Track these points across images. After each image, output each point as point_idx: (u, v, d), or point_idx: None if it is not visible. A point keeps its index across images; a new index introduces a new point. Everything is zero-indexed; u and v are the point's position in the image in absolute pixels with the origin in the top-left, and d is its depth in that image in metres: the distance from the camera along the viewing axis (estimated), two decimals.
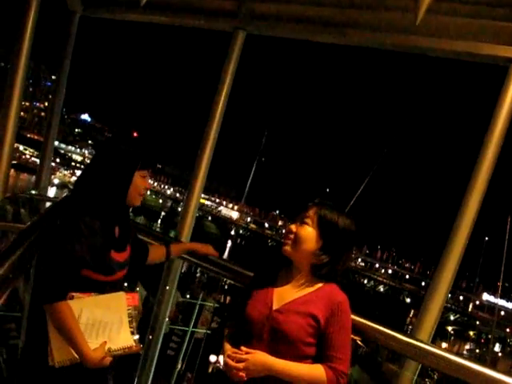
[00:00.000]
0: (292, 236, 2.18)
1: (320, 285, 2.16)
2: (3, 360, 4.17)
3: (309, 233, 2.16)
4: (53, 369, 2.06)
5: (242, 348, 2.09)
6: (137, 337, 2.25)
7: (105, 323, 2.16)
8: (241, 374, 2.04)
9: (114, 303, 2.22)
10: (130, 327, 2.24)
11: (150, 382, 3.24)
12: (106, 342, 2.13)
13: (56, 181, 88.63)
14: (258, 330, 2.13)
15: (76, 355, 2.07)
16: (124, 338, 2.20)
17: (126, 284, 2.42)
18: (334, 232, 2.14)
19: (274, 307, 2.14)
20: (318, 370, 2.04)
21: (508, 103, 2.45)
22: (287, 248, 2.19)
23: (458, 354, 2.26)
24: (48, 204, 3.71)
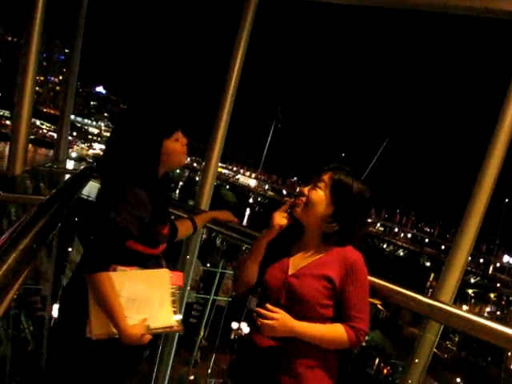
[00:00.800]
0: (304, 199, 2.16)
1: (333, 248, 2.14)
2: (30, 332, 4.24)
3: (320, 197, 2.11)
4: (89, 341, 2.00)
5: (269, 306, 2.08)
6: (179, 317, 2.18)
7: (146, 299, 2.09)
8: (269, 329, 2.06)
9: (157, 280, 2.15)
10: (173, 307, 2.16)
11: (173, 349, 3.29)
12: (146, 318, 2.06)
13: (74, 154, 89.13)
14: (276, 295, 2.14)
15: (114, 330, 2.00)
16: (165, 317, 2.13)
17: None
18: (347, 197, 2.09)
19: (290, 272, 2.15)
20: (338, 330, 2.05)
21: None
22: (298, 210, 2.16)
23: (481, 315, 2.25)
24: (67, 176, 3.73)
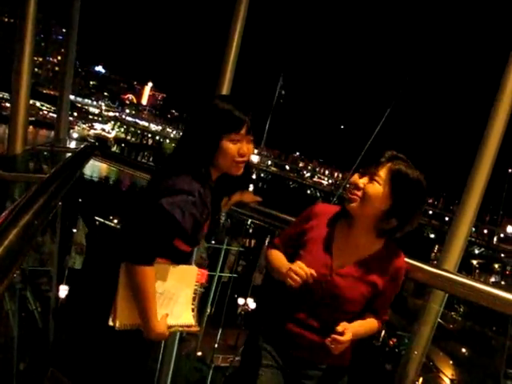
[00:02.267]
0: (359, 193, 1.99)
1: (381, 244, 2.07)
2: (38, 313, 4.27)
3: (379, 191, 1.96)
4: (111, 330, 1.94)
5: (338, 329, 1.96)
6: (196, 316, 2.12)
7: (172, 294, 2.05)
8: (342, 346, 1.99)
9: (185, 276, 2.10)
10: (193, 304, 2.12)
11: (175, 349, 3.29)
12: (167, 314, 2.01)
13: (75, 135, 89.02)
14: (315, 289, 2.05)
15: (139, 321, 1.96)
16: (186, 315, 2.10)
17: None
18: (407, 189, 1.95)
19: (335, 268, 2.06)
20: (375, 324, 2.17)
21: None
22: (354, 205, 2.00)
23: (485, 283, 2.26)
24: (68, 155, 3.72)
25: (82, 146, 3.49)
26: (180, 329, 2.09)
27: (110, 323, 1.94)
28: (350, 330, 1.97)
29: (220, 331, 20.17)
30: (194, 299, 2.13)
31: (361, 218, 2.03)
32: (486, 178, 2.44)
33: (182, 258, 2.09)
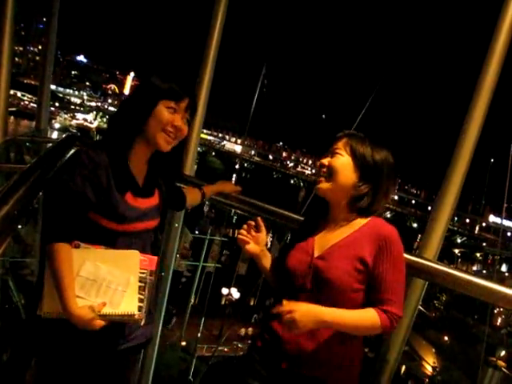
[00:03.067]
0: (325, 170, 1.97)
1: (362, 221, 1.95)
2: (21, 305, 4.25)
3: (344, 162, 1.93)
4: (40, 319, 1.84)
5: (284, 301, 1.83)
6: (145, 306, 1.93)
7: (108, 282, 1.88)
8: (293, 324, 1.79)
9: (123, 261, 1.92)
10: (140, 294, 1.92)
11: (162, 316, 3.29)
12: (104, 303, 1.84)
13: (57, 125, 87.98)
14: (301, 280, 1.95)
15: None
16: (127, 304, 1.89)
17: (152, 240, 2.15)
18: (370, 162, 1.93)
19: (316, 254, 1.96)
20: (370, 314, 1.83)
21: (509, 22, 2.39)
22: (322, 185, 1.97)
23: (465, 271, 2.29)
24: (49, 145, 3.70)
25: (64, 137, 3.47)
26: (119, 318, 1.88)
27: (38, 312, 1.84)
28: (301, 307, 1.79)
29: (203, 321, 20.22)
30: (142, 289, 1.93)
31: (333, 196, 1.98)
32: (465, 165, 2.44)
33: (116, 240, 1.94)
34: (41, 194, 2.27)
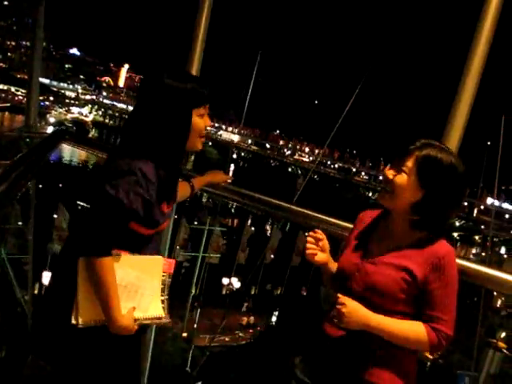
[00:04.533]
0: (389, 185, 1.89)
1: (422, 236, 1.90)
2: (24, 301, 4.24)
3: (405, 181, 1.84)
4: (74, 328, 1.88)
5: (339, 294, 1.85)
6: (167, 307, 2.05)
7: (137, 287, 1.96)
8: (340, 316, 1.82)
9: (150, 267, 2.01)
10: (162, 295, 2.03)
11: (152, 342, 3.28)
12: (134, 307, 1.93)
13: (52, 119, 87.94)
14: (349, 280, 1.94)
15: (103, 317, 1.88)
16: (154, 307, 2.01)
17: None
18: (436, 175, 1.82)
19: (367, 258, 1.95)
20: (418, 328, 1.83)
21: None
22: (383, 200, 1.92)
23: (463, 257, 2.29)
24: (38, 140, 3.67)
25: (52, 131, 3.46)
26: (149, 321, 2.01)
27: (73, 321, 1.87)
28: (352, 304, 1.81)
29: (198, 312, 20.27)
30: (163, 290, 2.04)
31: (394, 211, 1.93)
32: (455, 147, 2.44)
33: (144, 243, 2.02)
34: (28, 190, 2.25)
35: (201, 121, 2.01)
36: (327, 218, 2.62)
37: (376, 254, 1.94)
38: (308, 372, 2.04)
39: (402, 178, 1.85)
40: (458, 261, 2.03)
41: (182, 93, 1.94)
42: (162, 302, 2.03)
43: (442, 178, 1.82)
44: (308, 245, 2.01)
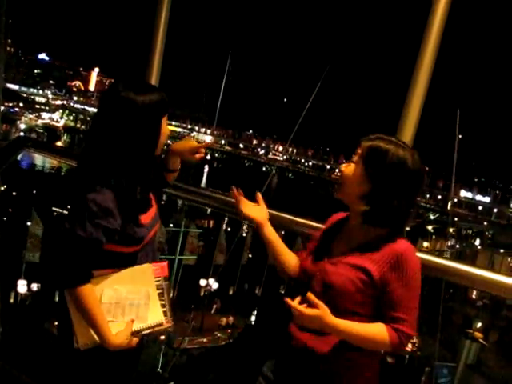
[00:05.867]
0: (339, 177, 1.90)
1: (379, 232, 1.86)
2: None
3: (354, 172, 1.84)
4: (79, 351, 1.93)
5: (295, 300, 1.78)
6: (169, 310, 2.06)
7: (131, 300, 1.98)
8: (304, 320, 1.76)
9: (139, 277, 2.00)
10: (161, 300, 2.04)
11: None
12: (132, 320, 1.96)
13: (22, 126, 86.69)
14: (311, 282, 1.93)
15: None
16: (153, 314, 2.02)
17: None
18: (382, 167, 1.79)
19: (328, 258, 1.93)
20: (379, 329, 1.78)
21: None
22: (335, 193, 1.91)
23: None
24: None
25: (13, 139, 3.43)
26: (150, 330, 2.02)
27: (75, 345, 1.93)
28: (322, 306, 1.73)
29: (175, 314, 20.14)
30: (161, 295, 2.05)
31: (349, 205, 1.91)
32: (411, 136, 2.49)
33: (135, 259, 2.02)
34: None
35: (166, 127, 2.02)
36: (287, 216, 2.53)
37: (336, 253, 1.92)
38: (274, 370, 2.07)
39: (349, 169, 1.86)
40: (423, 255, 2.03)
41: (151, 104, 1.92)
42: (163, 305, 2.05)
43: (388, 170, 1.79)
44: (232, 191, 2.09)
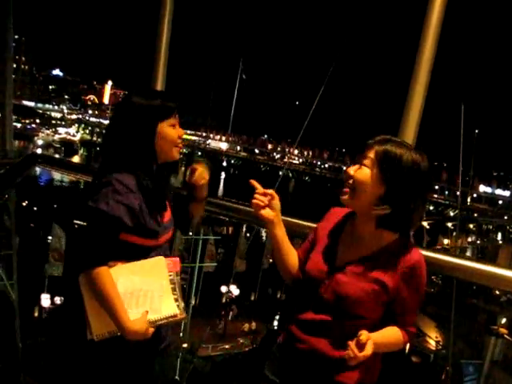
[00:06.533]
0: (351, 181, 1.86)
1: (390, 239, 1.89)
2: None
3: (367, 175, 1.83)
4: (92, 343, 1.94)
5: (351, 345, 1.72)
6: (182, 304, 2.08)
7: (145, 291, 2.01)
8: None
9: (153, 269, 2.05)
10: (174, 294, 2.06)
11: None
12: (147, 311, 1.97)
13: (40, 142, 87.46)
14: (319, 288, 1.93)
15: (115, 327, 1.93)
16: (167, 307, 2.04)
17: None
18: (397, 171, 1.80)
19: (337, 264, 1.92)
20: (396, 333, 1.91)
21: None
22: (345, 197, 1.88)
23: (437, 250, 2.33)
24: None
25: (22, 158, 3.49)
26: (165, 321, 2.03)
27: (89, 336, 1.95)
28: (371, 342, 1.72)
29: (189, 319, 20.09)
30: (173, 289, 2.07)
31: (358, 209, 1.91)
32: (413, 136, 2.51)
33: (150, 254, 2.08)
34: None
35: (173, 131, 2.10)
36: (293, 220, 2.56)
37: (345, 260, 1.92)
38: (279, 374, 2.06)
39: (363, 173, 1.84)
40: (435, 255, 2.12)
41: (146, 108, 2.05)
42: (176, 300, 2.07)
43: (404, 173, 1.80)
44: (255, 195, 2.00)
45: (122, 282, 1.97)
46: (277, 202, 2.02)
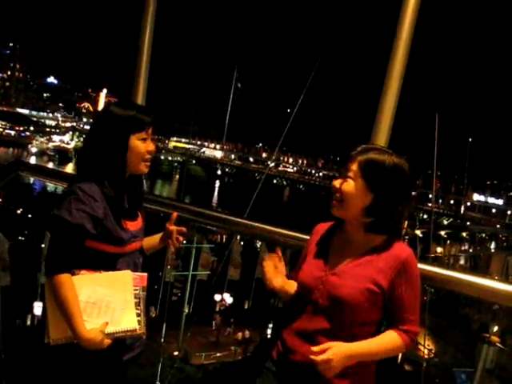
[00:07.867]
0: (338, 195, 1.90)
1: (379, 240, 1.91)
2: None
3: (352, 187, 1.87)
4: (49, 347, 1.97)
5: (313, 349, 1.78)
6: (143, 320, 2.07)
7: (107, 302, 2.01)
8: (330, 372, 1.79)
9: (119, 282, 2.05)
10: (137, 309, 2.06)
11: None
12: (107, 322, 1.97)
13: (34, 149, 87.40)
14: (313, 295, 1.93)
15: (70, 333, 1.94)
16: (127, 320, 2.03)
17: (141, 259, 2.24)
18: (382, 177, 1.85)
19: (330, 269, 1.93)
20: (392, 337, 1.87)
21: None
22: (335, 211, 1.92)
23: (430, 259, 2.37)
24: None
25: (7, 163, 3.49)
26: (122, 334, 2.01)
27: (46, 340, 1.98)
28: (332, 350, 1.76)
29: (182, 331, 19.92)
30: (137, 304, 2.07)
31: (348, 219, 1.94)
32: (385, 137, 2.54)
33: (116, 262, 2.09)
34: None
35: (142, 145, 2.10)
36: (279, 230, 2.58)
37: (337, 264, 1.93)
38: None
39: (349, 185, 1.87)
40: (424, 266, 2.11)
41: (120, 119, 2.08)
42: (138, 315, 2.06)
43: (388, 179, 1.85)
44: (267, 268, 2.01)
45: (86, 291, 1.99)
46: (282, 265, 2.05)
